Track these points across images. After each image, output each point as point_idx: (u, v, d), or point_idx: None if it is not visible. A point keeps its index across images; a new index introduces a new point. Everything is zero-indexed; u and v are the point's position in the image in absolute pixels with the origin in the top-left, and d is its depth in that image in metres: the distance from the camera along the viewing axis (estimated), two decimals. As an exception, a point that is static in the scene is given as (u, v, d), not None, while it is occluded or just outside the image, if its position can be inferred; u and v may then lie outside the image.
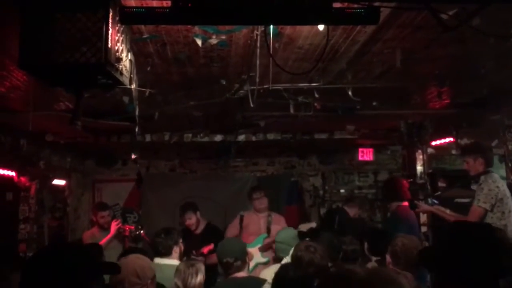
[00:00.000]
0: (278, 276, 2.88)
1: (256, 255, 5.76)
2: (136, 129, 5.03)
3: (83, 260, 1.83)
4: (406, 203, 5.62)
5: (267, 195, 6.22)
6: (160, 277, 3.49)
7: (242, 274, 3.78)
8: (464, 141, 6.51)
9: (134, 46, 3.45)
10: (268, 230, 5.99)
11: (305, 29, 3.38)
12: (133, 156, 7.34)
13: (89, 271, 1.80)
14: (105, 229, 5.78)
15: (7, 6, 2.81)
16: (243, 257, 3.82)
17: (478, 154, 4.80)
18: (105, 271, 2.08)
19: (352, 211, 6.61)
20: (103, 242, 5.34)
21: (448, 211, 4.81)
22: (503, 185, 4.69)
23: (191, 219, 5.77)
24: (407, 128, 7.00)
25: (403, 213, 5.76)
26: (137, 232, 5.74)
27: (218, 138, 7.27)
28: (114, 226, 5.63)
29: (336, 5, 2.57)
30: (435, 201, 5.63)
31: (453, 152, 6.93)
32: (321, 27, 3.13)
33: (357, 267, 1.40)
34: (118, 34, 2.76)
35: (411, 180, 7.10)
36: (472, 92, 5.31)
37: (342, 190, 9.53)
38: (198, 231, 5.82)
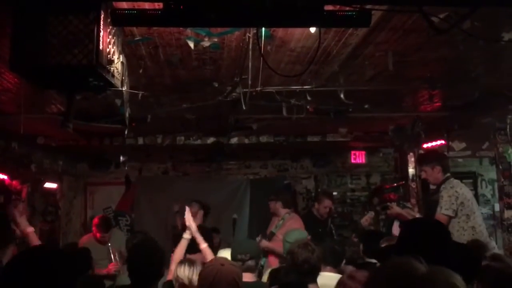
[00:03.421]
0: (270, 277, 2.86)
1: None
2: (126, 132, 4.99)
3: (62, 263, 1.81)
4: None
5: (274, 199, 6.06)
6: None
7: (251, 277, 3.63)
8: (456, 144, 6.55)
9: (126, 48, 3.45)
10: (271, 234, 5.88)
11: (297, 31, 3.39)
12: (121, 159, 7.31)
13: (68, 275, 1.79)
14: (102, 243, 5.76)
15: (-2, 8, 2.79)
16: (257, 258, 3.75)
17: (434, 162, 4.86)
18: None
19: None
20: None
21: (417, 214, 4.86)
22: (461, 189, 4.72)
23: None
24: (395, 133, 7.04)
25: None
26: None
27: (211, 140, 7.26)
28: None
29: (328, 7, 2.58)
30: (406, 204, 5.71)
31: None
32: (313, 29, 3.13)
33: (416, 262, 1.34)
34: (110, 36, 2.76)
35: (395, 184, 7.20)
36: (463, 95, 5.34)
37: (335, 193, 9.53)
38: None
